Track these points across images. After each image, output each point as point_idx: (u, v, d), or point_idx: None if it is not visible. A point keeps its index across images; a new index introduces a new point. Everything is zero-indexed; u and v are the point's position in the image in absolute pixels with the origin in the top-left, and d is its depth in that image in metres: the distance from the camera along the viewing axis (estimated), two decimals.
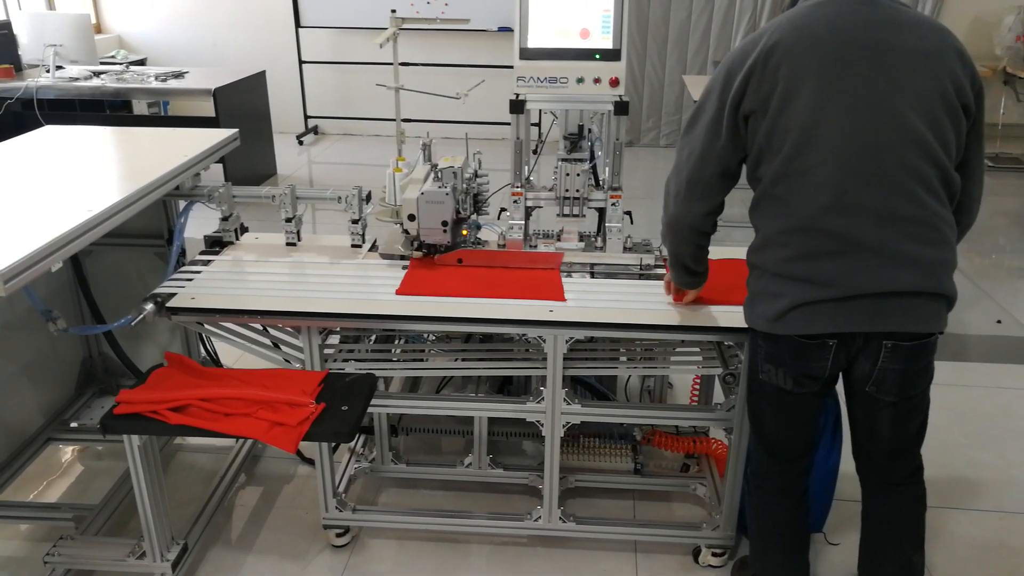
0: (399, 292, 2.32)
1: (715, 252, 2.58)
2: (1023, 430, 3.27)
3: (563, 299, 2.27)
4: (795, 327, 1.80)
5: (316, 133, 7.79)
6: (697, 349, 2.39)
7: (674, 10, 6.96)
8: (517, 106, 2.38)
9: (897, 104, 1.71)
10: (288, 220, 2.59)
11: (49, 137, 2.84)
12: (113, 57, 7.06)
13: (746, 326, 2.10)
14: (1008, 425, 3.28)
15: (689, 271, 2.16)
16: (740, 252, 2.51)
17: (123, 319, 2.22)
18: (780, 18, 1.82)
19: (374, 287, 2.37)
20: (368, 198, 2.58)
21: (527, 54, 2.35)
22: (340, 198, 2.53)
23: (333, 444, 2.52)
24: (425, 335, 2.55)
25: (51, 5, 7.18)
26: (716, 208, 2.00)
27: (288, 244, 2.62)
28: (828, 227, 1.74)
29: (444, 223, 2.40)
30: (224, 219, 2.63)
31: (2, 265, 1.67)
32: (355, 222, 2.57)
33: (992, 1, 6.66)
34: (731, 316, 2.21)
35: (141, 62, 7.18)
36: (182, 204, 2.63)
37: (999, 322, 2.17)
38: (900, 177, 1.71)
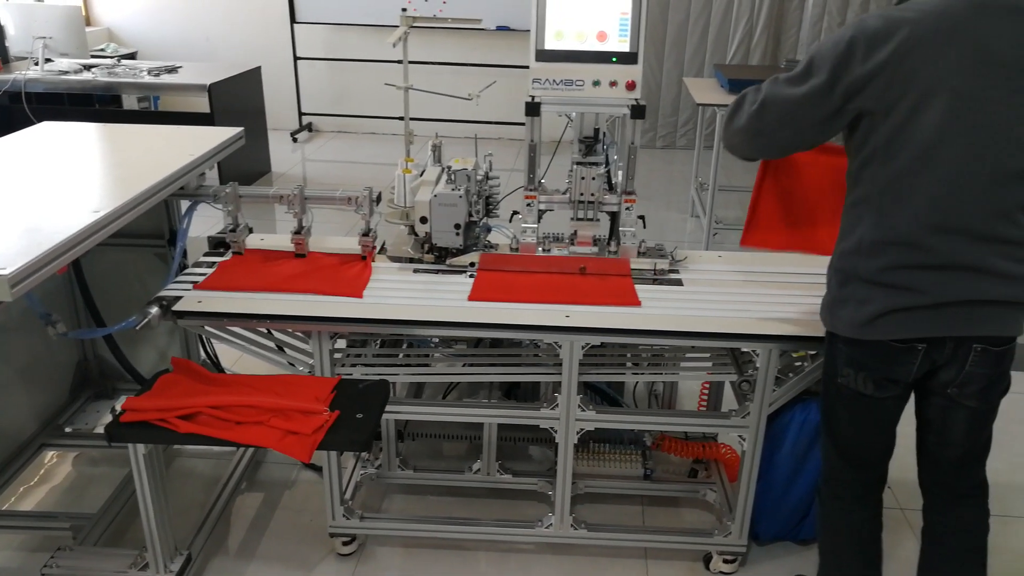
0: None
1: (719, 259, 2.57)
2: (1021, 434, 3.29)
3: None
4: (887, 332, 1.79)
5: (311, 130, 7.71)
6: (708, 355, 2.36)
7: (672, 12, 6.93)
8: (533, 108, 2.33)
9: (1019, 134, 1.67)
10: (297, 233, 2.49)
11: (47, 134, 2.77)
12: (103, 50, 6.96)
13: (764, 332, 2.15)
14: (1013, 431, 3.27)
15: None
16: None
17: (125, 322, 2.16)
18: (921, 8, 1.68)
19: (383, 291, 2.32)
20: (379, 199, 2.51)
21: (543, 56, 2.30)
22: (350, 199, 2.46)
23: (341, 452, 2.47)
24: (431, 339, 2.51)
25: None
26: (771, 158, 2.02)
27: (298, 256, 2.51)
28: (929, 244, 1.72)
29: (457, 226, 2.36)
30: (232, 230, 2.51)
31: (9, 270, 1.61)
32: (366, 234, 2.49)
33: None
34: (747, 323, 2.19)
35: (132, 55, 7.08)
36: (184, 205, 2.57)
37: None
38: (1007, 206, 1.70)
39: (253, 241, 2.62)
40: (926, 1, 1.69)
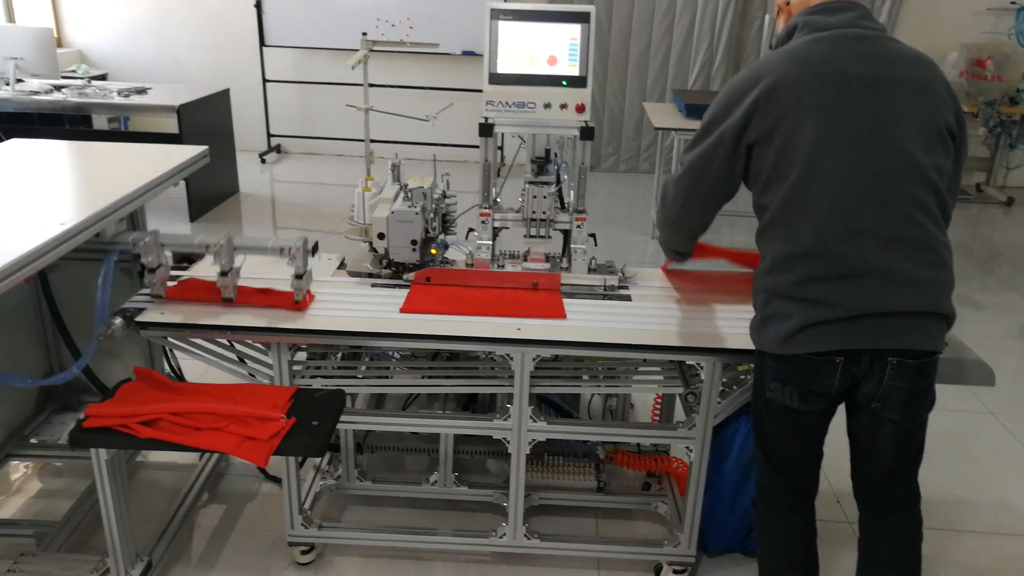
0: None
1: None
2: (968, 451, 3.40)
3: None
4: (806, 346, 1.86)
5: (279, 152, 7.78)
6: (658, 368, 2.46)
7: (634, 39, 7.12)
8: (486, 129, 2.43)
9: (896, 135, 1.82)
10: (224, 274, 2.29)
11: (15, 151, 2.82)
12: (74, 71, 6.99)
13: (707, 346, 2.24)
14: (954, 446, 3.40)
15: (679, 253, 2.45)
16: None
17: (83, 354, 2.25)
18: (780, 53, 1.93)
19: (344, 305, 2.39)
20: (315, 250, 2.47)
21: (496, 79, 2.40)
22: (283, 249, 2.30)
23: (300, 460, 2.53)
24: (391, 353, 2.58)
25: (11, 18, 7.10)
26: (708, 220, 2.18)
27: (225, 300, 2.32)
28: (834, 251, 1.82)
29: (413, 242, 2.45)
30: (151, 270, 2.30)
31: None
32: (299, 277, 2.30)
33: (936, 37, 6.92)
34: (692, 337, 2.29)
35: (102, 77, 7.11)
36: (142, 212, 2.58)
37: (945, 344, 2.26)
38: (902, 204, 1.82)
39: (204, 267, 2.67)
40: (781, 49, 1.96)
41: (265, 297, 2.32)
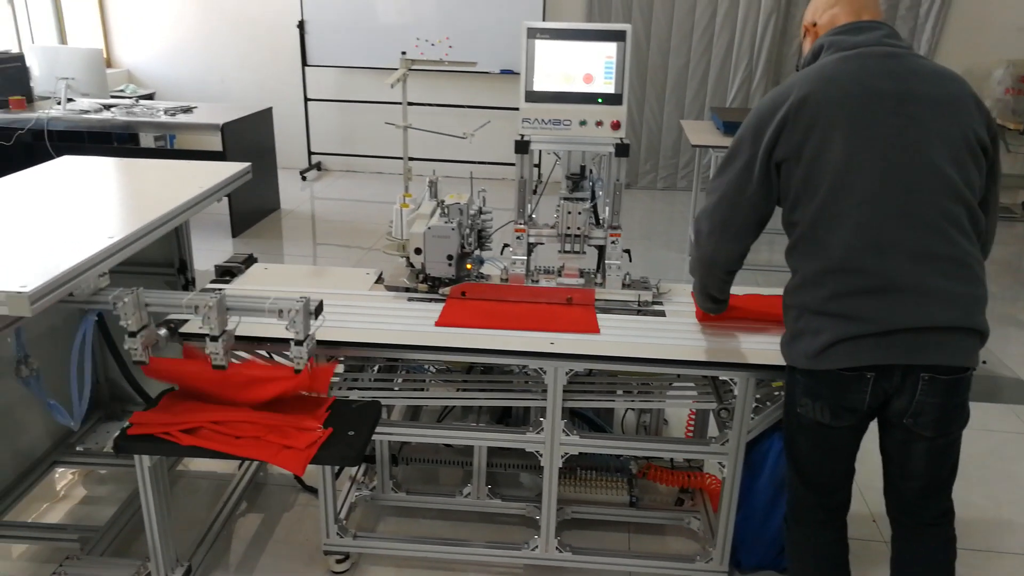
0: None
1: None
2: (1011, 472, 3.34)
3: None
4: (836, 361, 1.86)
5: (319, 169, 7.91)
6: (692, 384, 2.46)
7: (672, 57, 7.14)
8: (522, 146, 2.47)
9: (925, 148, 1.82)
10: (213, 340, 2.02)
11: (67, 167, 2.92)
12: (122, 91, 7.20)
13: (740, 362, 2.24)
14: (997, 467, 3.34)
15: (714, 299, 2.34)
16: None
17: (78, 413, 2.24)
18: (808, 71, 1.94)
19: (380, 318, 2.44)
20: (318, 311, 2.10)
21: (532, 97, 2.45)
22: (282, 311, 2.01)
23: (336, 470, 2.57)
24: (426, 366, 2.62)
25: (63, 39, 7.33)
26: (746, 249, 2.12)
27: (216, 368, 2.05)
28: (865, 266, 1.82)
29: (449, 257, 2.49)
30: (131, 334, 2.02)
31: (30, 287, 1.75)
32: (299, 343, 2.04)
33: (982, 54, 6.83)
34: (725, 352, 2.29)
35: (150, 96, 7.31)
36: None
37: (984, 362, 2.24)
38: (932, 217, 1.81)
39: (257, 270, 2.75)
40: (808, 68, 1.96)
41: (262, 369, 2.21)
